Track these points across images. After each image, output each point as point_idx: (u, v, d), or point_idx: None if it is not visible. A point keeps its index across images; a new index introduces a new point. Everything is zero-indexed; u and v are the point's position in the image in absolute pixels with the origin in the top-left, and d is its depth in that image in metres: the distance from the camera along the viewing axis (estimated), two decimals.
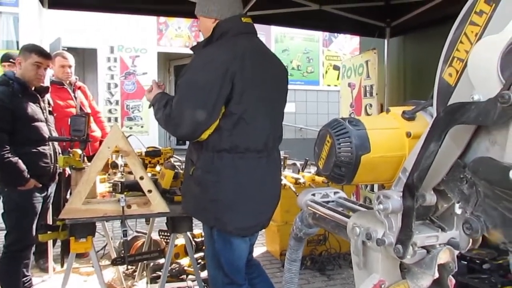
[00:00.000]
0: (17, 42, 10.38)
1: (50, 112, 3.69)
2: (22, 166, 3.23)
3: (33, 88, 3.47)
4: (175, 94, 2.42)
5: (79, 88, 4.76)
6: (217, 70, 2.28)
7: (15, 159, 3.20)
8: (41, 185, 3.43)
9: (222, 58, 2.32)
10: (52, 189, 3.71)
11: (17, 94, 3.32)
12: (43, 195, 3.52)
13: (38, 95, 3.50)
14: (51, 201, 3.78)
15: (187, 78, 2.39)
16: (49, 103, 3.73)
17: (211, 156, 2.38)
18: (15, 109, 3.28)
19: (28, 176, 3.27)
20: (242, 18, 2.50)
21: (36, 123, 3.40)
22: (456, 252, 0.94)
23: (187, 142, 2.57)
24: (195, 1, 2.60)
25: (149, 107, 2.58)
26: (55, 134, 3.65)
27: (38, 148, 3.41)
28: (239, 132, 2.35)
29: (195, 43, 2.75)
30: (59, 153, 3.58)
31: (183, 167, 2.84)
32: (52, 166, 3.53)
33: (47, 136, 3.42)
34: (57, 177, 3.65)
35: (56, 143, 3.61)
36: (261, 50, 2.57)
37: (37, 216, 3.46)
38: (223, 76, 2.27)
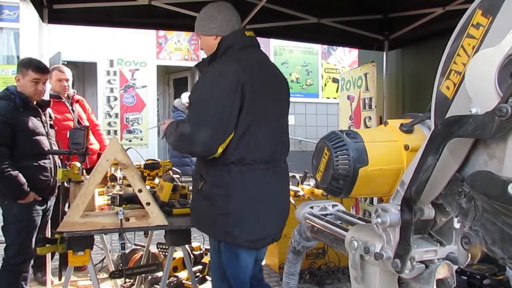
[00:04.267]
0: (18, 57, 10.41)
1: (51, 126, 3.71)
2: (22, 179, 3.23)
3: (34, 103, 3.49)
4: (188, 111, 2.45)
5: (77, 101, 4.76)
6: (228, 82, 2.31)
7: (15, 172, 3.20)
8: (40, 199, 3.43)
9: (232, 70, 2.34)
10: (51, 202, 3.70)
11: (18, 108, 3.35)
12: (42, 208, 3.51)
13: (39, 109, 3.52)
14: (50, 214, 3.77)
15: (199, 94, 2.43)
16: (50, 117, 3.74)
17: (220, 169, 2.38)
18: (16, 124, 3.30)
19: (28, 189, 3.27)
20: (246, 32, 2.56)
21: (37, 137, 3.41)
22: (455, 267, 0.93)
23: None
24: (194, 15, 2.62)
25: (162, 138, 2.59)
26: (55, 147, 3.65)
27: (39, 161, 3.42)
28: (245, 144, 2.35)
29: (194, 56, 2.81)
30: (59, 167, 3.57)
31: (182, 179, 2.84)
32: (52, 180, 3.53)
33: (47, 150, 3.43)
34: (56, 190, 3.64)
35: (57, 157, 3.62)
36: (265, 62, 2.62)
37: (37, 229, 3.45)
38: (235, 87, 2.29)
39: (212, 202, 2.40)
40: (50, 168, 3.51)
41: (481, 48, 0.77)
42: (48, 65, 4.08)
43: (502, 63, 0.72)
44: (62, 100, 4.56)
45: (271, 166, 2.44)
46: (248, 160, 2.36)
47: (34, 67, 3.45)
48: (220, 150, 2.30)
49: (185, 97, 6.28)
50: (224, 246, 2.44)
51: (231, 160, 2.34)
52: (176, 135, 2.40)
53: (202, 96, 2.39)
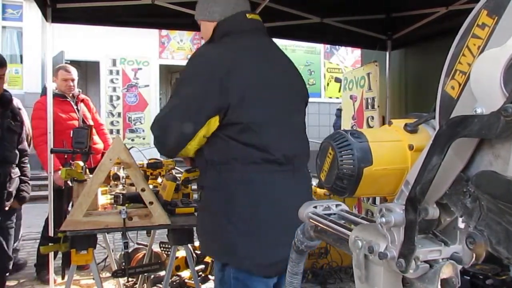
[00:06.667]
0: (21, 56, 10.44)
1: (10, 129, 3.44)
2: None
3: None
4: None
5: (82, 100, 4.79)
6: (202, 75, 1.95)
7: None
8: None
9: (211, 61, 1.97)
10: (10, 216, 3.60)
11: None
12: None
13: None
14: (12, 230, 3.68)
15: (175, 87, 2.12)
16: (16, 118, 3.52)
17: (218, 169, 1.95)
18: None
19: None
20: (247, 14, 2.10)
21: None
22: (459, 267, 0.93)
23: None
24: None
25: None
26: (10, 153, 3.43)
27: None
28: (249, 140, 1.92)
29: None
30: (11, 177, 3.44)
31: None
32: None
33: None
34: (12, 200, 3.54)
35: (8, 167, 3.44)
36: (269, 50, 2.18)
37: None
38: (209, 81, 1.91)
39: (213, 211, 1.99)
40: None
41: (486, 48, 0.77)
42: (51, 64, 4.10)
43: (508, 63, 0.72)
44: (67, 99, 4.59)
45: (289, 169, 1.99)
46: (256, 159, 1.92)
47: None
48: (190, 147, 1.95)
49: None
50: (234, 277, 1.93)
51: (233, 156, 1.93)
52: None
53: (176, 89, 2.08)
